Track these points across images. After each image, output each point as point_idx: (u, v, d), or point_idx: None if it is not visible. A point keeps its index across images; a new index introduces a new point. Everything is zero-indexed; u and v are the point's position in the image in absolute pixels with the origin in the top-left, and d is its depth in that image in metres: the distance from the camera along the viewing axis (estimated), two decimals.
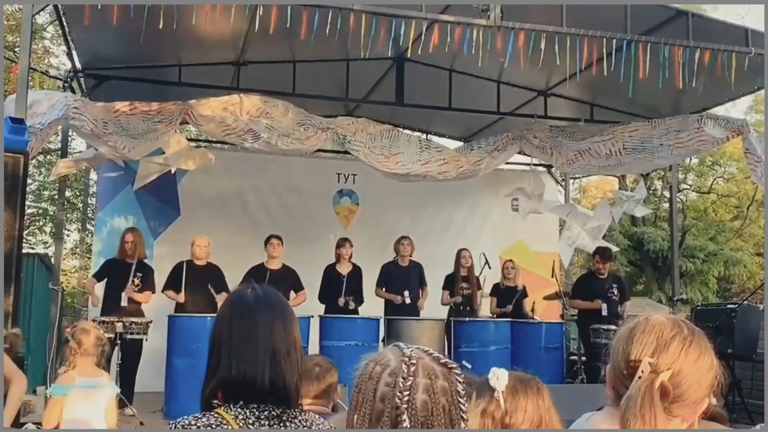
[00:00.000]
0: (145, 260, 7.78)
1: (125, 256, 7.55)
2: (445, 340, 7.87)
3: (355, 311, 8.05)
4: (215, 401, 1.65)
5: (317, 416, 1.77)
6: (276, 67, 8.48)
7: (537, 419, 1.93)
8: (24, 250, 6.98)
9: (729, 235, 25.02)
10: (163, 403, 7.12)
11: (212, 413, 1.62)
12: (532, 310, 8.67)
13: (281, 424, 1.64)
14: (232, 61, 8.22)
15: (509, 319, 8.17)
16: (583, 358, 8.33)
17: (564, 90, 8.32)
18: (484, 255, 9.57)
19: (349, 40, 5.66)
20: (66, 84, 8.20)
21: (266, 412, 1.64)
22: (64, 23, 7.05)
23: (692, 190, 27.20)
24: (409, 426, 1.29)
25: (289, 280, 7.80)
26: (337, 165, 10.48)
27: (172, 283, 7.69)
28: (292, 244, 8.43)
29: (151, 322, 7.20)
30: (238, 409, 1.62)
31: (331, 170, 10.54)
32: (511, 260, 8.96)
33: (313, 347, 7.30)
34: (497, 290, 8.75)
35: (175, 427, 1.61)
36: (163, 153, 7.80)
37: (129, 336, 6.96)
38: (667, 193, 22.33)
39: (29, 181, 15.35)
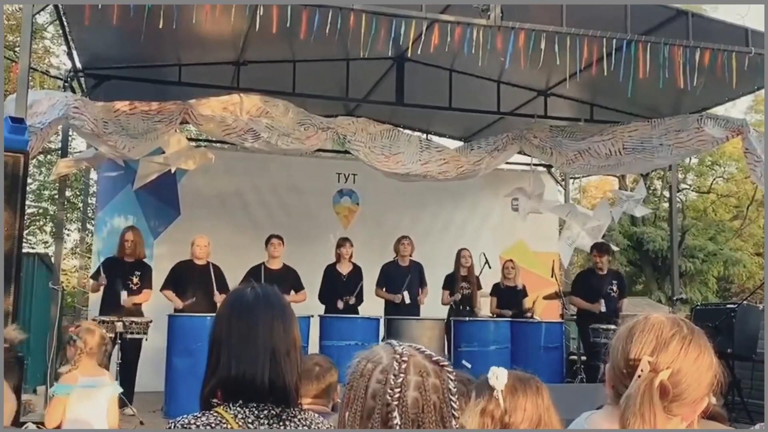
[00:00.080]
0: (144, 259, 7.79)
1: (124, 254, 7.56)
2: (445, 340, 7.87)
3: (355, 311, 8.06)
4: (215, 400, 1.65)
5: (317, 415, 1.77)
6: (276, 66, 8.48)
7: (536, 418, 1.93)
8: (24, 250, 6.97)
9: (728, 234, 25.02)
10: (163, 402, 7.13)
11: (212, 412, 1.62)
12: (533, 305, 8.66)
13: (281, 424, 1.64)
14: (232, 61, 8.22)
15: (509, 319, 8.18)
16: (583, 358, 8.34)
17: (564, 90, 8.31)
18: (484, 255, 9.57)
19: (349, 39, 5.66)
20: (66, 84, 8.20)
21: (266, 412, 1.64)
22: (65, 23, 7.06)
23: (692, 190, 27.20)
24: (399, 423, 1.29)
25: (289, 279, 7.80)
26: (337, 165, 10.48)
27: (171, 282, 7.70)
28: (292, 244, 8.43)
29: (151, 321, 7.20)
30: (238, 408, 1.62)
31: (331, 170, 10.54)
32: (511, 260, 8.96)
33: (313, 347, 7.30)
34: (497, 290, 8.75)
35: (174, 427, 1.61)
36: (163, 153, 7.80)
37: (129, 335, 6.97)
38: (666, 193, 22.33)
39: (29, 180, 15.34)
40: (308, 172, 10.29)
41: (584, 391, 6.03)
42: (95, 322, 5.96)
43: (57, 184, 11.24)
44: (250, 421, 1.61)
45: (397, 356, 1.35)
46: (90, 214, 11.51)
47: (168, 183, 9.21)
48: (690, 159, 23.20)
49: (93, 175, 11.22)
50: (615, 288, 8.36)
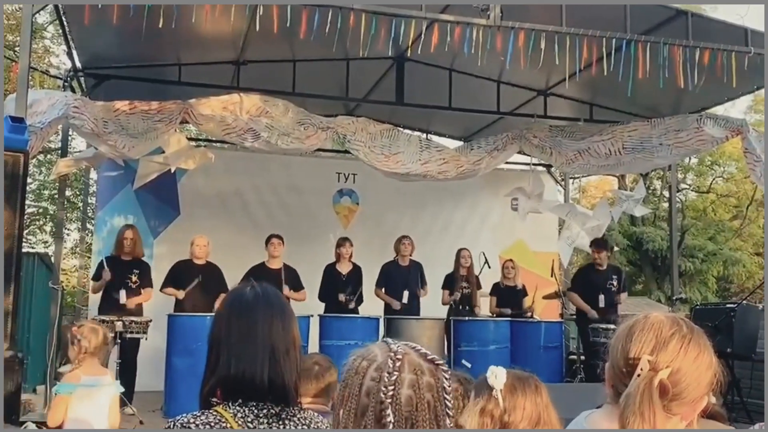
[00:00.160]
0: (143, 258, 7.79)
1: (122, 253, 7.55)
2: (444, 340, 7.87)
3: (355, 310, 8.06)
4: (214, 399, 1.65)
5: (316, 414, 1.77)
6: (276, 66, 8.48)
7: (536, 417, 1.93)
8: (24, 250, 6.97)
9: (728, 234, 25.03)
10: (162, 402, 7.13)
11: (211, 411, 1.62)
12: (532, 304, 8.67)
13: (280, 423, 1.64)
14: (232, 61, 8.22)
15: (509, 319, 8.18)
16: (582, 357, 8.34)
17: (564, 90, 8.31)
18: (484, 254, 9.57)
19: (349, 39, 5.65)
20: (66, 83, 8.20)
21: (265, 411, 1.64)
22: (64, 23, 7.06)
23: (691, 190, 27.21)
24: (393, 421, 1.29)
25: (289, 279, 7.80)
26: (337, 164, 10.48)
27: (171, 282, 7.70)
28: (292, 244, 8.43)
29: (150, 321, 7.20)
30: (237, 408, 1.62)
31: (331, 170, 10.54)
32: (511, 260, 8.97)
33: (313, 346, 7.31)
34: (497, 290, 8.76)
35: (173, 426, 1.61)
36: (163, 152, 7.81)
37: (129, 335, 6.97)
38: (666, 193, 22.32)
39: (29, 180, 15.34)
40: (308, 171, 10.28)
41: (584, 391, 6.03)
42: (95, 321, 5.95)
43: (57, 184, 11.25)
44: (249, 420, 1.61)
45: (392, 354, 1.34)
46: (90, 214, 11.50)
47: (168, 183, 9.21)
48: (690, 159, 23.21)
49: (93, 174, 11.22)
50: (615, 283, 8.37)
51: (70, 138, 9.88)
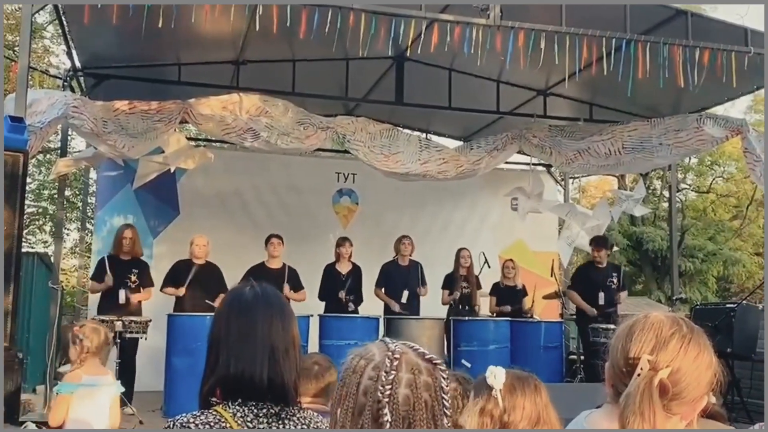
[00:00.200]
0: (141, 257, 7.78)
1: (121, 252, 7.55)
2: (444, 339, 7.87)
3: (355, 310, 8.06)
4: (214, 399, 1.65)
5: (316, 414, 1.77)
6: (275, 66, 8.48)
7: (535, 416, 1.93)
8: (24, 249, 6.97)
9: (728, 234, 25.03)
10: (162, 402, 7.13)
11: (210, 411, 1.62)
12: (531, 306, 8.67)
13: (280, 422, 1.64)
14: (231, 60, 8.22)
15: (508, 318, 8.18)
16: (582, 357, 8.34)
17: (563, 89, 8.31)
18: (484, 254, 9.57)
19: (348, 39, 5.66)
20: (65, 83, 8.20)
21: (264, 410, 1.63)
22: (64, 22, 7.05)
23: (691, 190, 27.21)
24: (390, 420, 1.28)
25: (289, 279, 7.80)
26: (337, 164, 10.48)
27: (171, 282, 7.70)
28: (292, 244, 8.43)
29: (150, 321, 7.20)
30: (237, 407, 1.62)
31: (330, 169, 10.54)
32: (511, 260, 8.97)
33: (313, 346, 7.31)
34: (497, 289, 8.75)
35: (173, 426, 1.60)
36: (163, 152, 7.81)
37: (128, 335, 6.97)
38: (666, 193, 22.31)
39: (29, 180, 15.34)
40: (308, 171, 10.28)
41: (584, 391, 6.03)
42: (95, 321, 5.95)
43: (56, 184, 11.25)
44: (249, 419, 1.61)
45: (390, 353, 1.34)
46: (89, 214, 11.50)
47: (167, 182, 9.21)
48: (689, 159, 23.21)
49: (92, 174, 11.22)
50: (615, 280, 8.35)
51: (69, 138, 9.87)
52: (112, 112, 6.82)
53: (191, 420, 1.59)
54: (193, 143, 9.60)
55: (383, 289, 8.32)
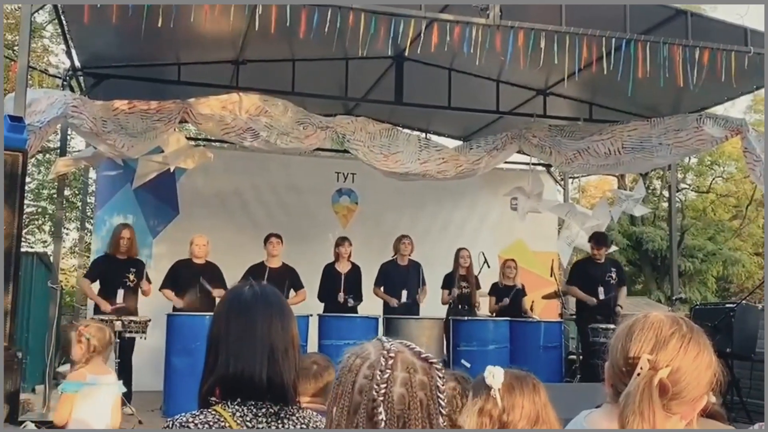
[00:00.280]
0: (137, 257, 7.78)
1: (118, 251, 7.55)
2: (444, 339, 7.87)
3: (354, 310, 8.06)
4: (213, 399, 1.65)
5: (315, 414, 1.77)
6: (275, 65, 8.48)
7: (534, 415, 1.93)
8: (23, 249, 6.97)
9: (728, 234, 25.03)
10: (161, 401, 7.13)
11: (210, 411, 1.61)
12: (531, 308, 8.68)
13: (279, 422, 1.64)
14: (231, 60, 8.22)
15: (508, 318, 8.17)
16: (581, 357, 8.33)
17: (563, 89, 8.32)
18: (483, 254, 9.57)
19: (348, 38, 5.65)
20: (65, 82, 8.20)
21: (264, 410, 1.63)
22: (64, 22, 7.05)
23: (691, 190, 27.21)
24: (384, 419, 1.28)
25: (289, 278, 7.80)
26: (336, 164, 10.48)
27: (170, 281, 7.70)
28: (291, 243, 8.43)
29: (149, 320, 7.20)
30: (236, 407, 1.62)
31: (330, 169, 10.54)
32: (512, 259, 8.96)
33: (312, 346, 7.31)
34: (496, 289, 8.75)
35: (172, 425, 1.60)
36: (162, 151, 7.80)
37: (128, 334, 6.97)
38: (666, 193, 22.31)
39: (28, 179, 15.30)
40: (307, 171, 10.29)
41: (583, 391, 6.03)
42: (95, 320, 5.95)
43: (56, 183, 11.25)
44: (248, 419, 1.61)
45: (385, 352, 1.34)
46: (89, 213, 11.50)
47: (167, 182, 9.21)
48: (689, 158, 23.22)
49: (92, 174, 11.22)
50: (614, 275, 8.32)
51: (69, 137, 9.87)
52: (112, 112, 6.82)
53: (190, 419, 1.59)
54: (192, 143, 9.60)
55: (382, 288, 8.32)
